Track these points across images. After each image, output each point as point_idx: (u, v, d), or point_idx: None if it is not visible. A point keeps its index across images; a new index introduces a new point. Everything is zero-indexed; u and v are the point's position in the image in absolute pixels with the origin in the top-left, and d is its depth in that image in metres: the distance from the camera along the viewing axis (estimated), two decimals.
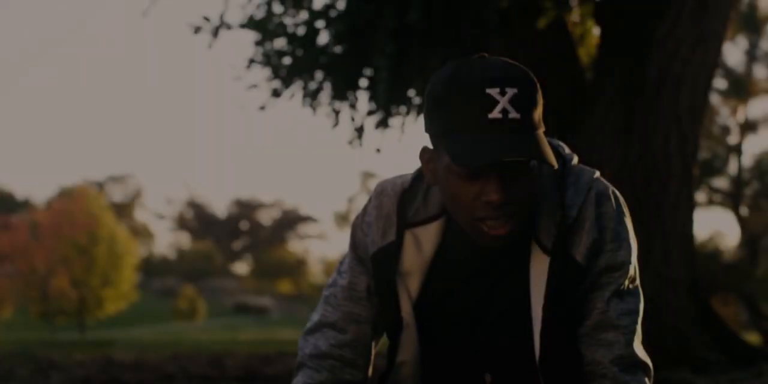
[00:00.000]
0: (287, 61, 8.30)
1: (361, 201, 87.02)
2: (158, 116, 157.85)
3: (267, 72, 8.44)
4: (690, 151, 8.27)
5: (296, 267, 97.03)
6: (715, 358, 7.82)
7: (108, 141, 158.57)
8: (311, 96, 8.41)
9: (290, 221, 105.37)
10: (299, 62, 8.24)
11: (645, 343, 7.60)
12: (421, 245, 2.41)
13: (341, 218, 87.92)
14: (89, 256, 37.73)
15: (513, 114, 2.09)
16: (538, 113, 2.16)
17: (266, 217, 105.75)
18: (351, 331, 2.54)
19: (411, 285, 2.43)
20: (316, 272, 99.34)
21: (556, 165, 2.13)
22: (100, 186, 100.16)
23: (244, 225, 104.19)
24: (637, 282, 2.48)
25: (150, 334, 40.04)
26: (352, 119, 8.50)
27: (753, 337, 21.49)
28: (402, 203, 2.42)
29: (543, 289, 2.35)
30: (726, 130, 22.51)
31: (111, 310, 39.60)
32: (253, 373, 8.20)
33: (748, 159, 22.85)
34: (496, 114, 2.08)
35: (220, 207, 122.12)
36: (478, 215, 2.21)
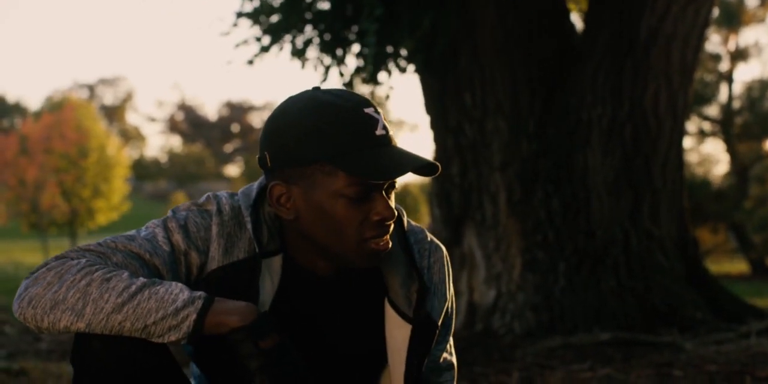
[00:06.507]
0: (275, 18, 8.17)
1: None
2: (150, 17, 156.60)
3: (255, 28, 8.31)
4: (680, 110, 8.25)
5: None
6: (702, 317, 7.88)
7: (99, 43, 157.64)
8: (299, 52, 8.29)
9: None
10: (287, 18, 8.11)
11: (634, 303, 7.59)
12: (273, 277, 2.31)
13: None
14: (79, 168, 37.49)
15: (389, 130, 2.21)
16: None
17: (257, 120, 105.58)
18: None
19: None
20: None
21: (439, 169, 2.21)
22: (91, 89, 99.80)
23: (235, 127, 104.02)
24: None
25: None
26: (341, 74, 8.39)
27: (741, 266, 21.87)
28: (257, 231, 2.29)
29: (403, 356, 2.37)
30: (717, 58, 22.40)
31: (102, 221, 39.44)
32: None
33: (738, 87, 22.78)
34: (380, 130, 2.18)
35: (211, 109, 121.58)
36: (366, 235, 2.22)
